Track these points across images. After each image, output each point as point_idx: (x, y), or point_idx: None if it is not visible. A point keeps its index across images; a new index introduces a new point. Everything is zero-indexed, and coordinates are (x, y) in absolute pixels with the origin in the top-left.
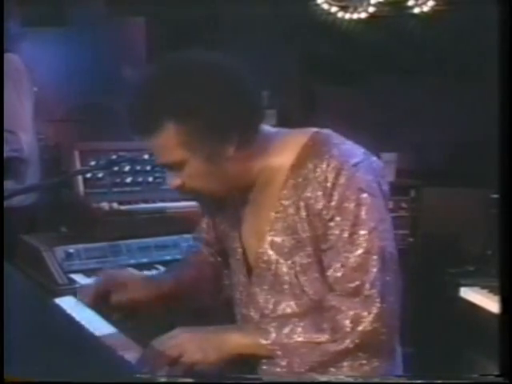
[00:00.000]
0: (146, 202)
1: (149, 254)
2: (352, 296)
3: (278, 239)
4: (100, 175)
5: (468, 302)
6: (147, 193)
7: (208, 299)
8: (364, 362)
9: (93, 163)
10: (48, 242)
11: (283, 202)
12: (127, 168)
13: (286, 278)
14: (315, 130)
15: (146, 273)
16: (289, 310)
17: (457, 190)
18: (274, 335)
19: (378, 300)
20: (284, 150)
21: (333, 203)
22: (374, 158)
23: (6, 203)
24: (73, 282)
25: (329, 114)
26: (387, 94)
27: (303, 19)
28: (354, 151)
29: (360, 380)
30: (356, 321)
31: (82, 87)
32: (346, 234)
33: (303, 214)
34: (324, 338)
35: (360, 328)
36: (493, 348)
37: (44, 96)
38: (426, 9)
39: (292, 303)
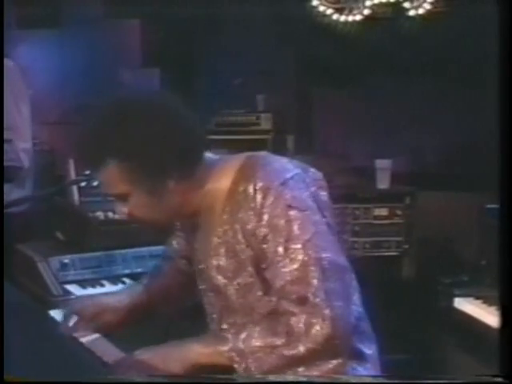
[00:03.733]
0: None
1: (144, 264)
2: (300, 304)
3: (222, 263)
4: (95, 183)
5: (462, 312)
6: None
7: (179, 306)
8: (319, 362)
9: (87, 172)
10: (42, 252)
11: (222, 226)
12: None
13: (234, 298)
14: (249, 154)
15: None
16: (237, 324)
17: (452, 197)
18: (231, 342)
19: (324, 307)
20: (222, 176)
21: (264, 222)
22: (312, 171)
23: None
24: (68, 292)
25: (325, 118)
26: (382, 97)
27: (299, 21)
28: (284, 169)
29: (360, 380)
30: (308, 326)
31: (76, 89)
32: (280, 250)
33: (240, 236)
34: (279, 341)
35: (313, 332)
36: (488, 359)
37: (39, 98)
38: (421, 11)
39: (245, 320)
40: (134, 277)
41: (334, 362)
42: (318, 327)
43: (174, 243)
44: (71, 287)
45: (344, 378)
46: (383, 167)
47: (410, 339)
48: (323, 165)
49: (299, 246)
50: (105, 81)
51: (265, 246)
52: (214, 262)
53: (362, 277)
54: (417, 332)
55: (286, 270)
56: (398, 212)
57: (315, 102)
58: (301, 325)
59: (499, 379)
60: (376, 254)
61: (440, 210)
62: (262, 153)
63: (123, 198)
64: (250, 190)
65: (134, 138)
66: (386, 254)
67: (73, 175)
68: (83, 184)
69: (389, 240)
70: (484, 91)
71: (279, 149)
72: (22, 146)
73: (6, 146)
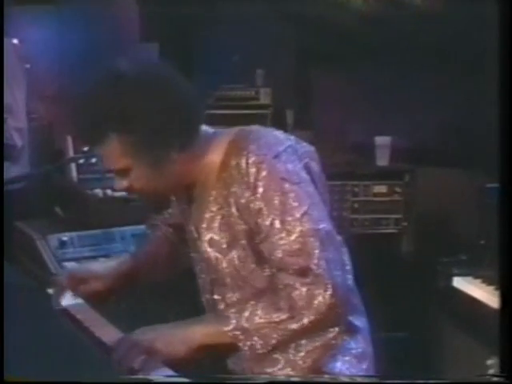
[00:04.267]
0: None
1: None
2: (301, 276)
3: (215, 237)
4: (93, 160)
5: (461, 291)
6: None
7: (165, 274)
8: (321, 333)
9: (86, 148)
10: (41, 230)
11: (216, 200)
12: None
13: (227, 271)
14: (240, 128)
15: None
16: (234, 299)
17: (452, 176)
18: (234, 321)
19: (327, 277)
20: (216, 150)
21: (258, 195)
22: (303, 144)
23: None
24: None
25: (324, 93)
26: (382, 73)
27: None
28: (276, 142)
29: (359, 380)
30: (310, 297)
31: (74, 64)
32: (277, 223)
33: (233, 209)
34: (283, 316)
35: (315, 303)
36: (486, 338)
37: (36, 73)
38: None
39: (236, 294)
40: None
41: (333, 331)
42: (320, 298)
43: (165, 213)
44: (70, 265)
45: (344, 378)
46: (383, 144)
47: (407, 317)
48: (322, 140)
49: (296, 217)
50: (103, 55)
51: (260, 219)
52: (207, 236)
53: (360, 254)
54: (414, 310)
55: (284, 242)
56: (398, 189)
57: (315, 77)
58: (303, 297)
59: (499, 379)
60: (375, 231)
61: (440, 188)
62: (254, 126)
63: (124, 172)
64: (243, 163)
65: (135, 109)
66: (385, 231)
67: (71, 152)
68: (81, 161)
69: (388, 217)
70: (483, 68)
71: (278, 124)
72: (14, 125)
73: None
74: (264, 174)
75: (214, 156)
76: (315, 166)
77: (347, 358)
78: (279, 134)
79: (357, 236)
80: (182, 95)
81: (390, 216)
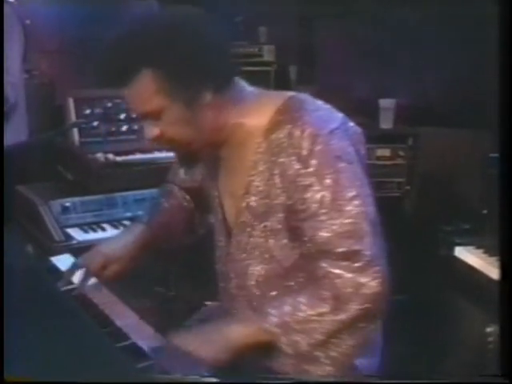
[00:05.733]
0: (142, 151)
1: (145, 207)
2: (349, 261)
3: (253, 203)
4: (95, 124)
5: (462, 261)
6: (143, 141)
7: (180, 241)
8: (364, 325)
9: (88, 111)
10: (43, 195)
11: (257, 166)
12: (123, 116)
13: (258, 240)
14: (291, 94)
15: None
16: (256, 273)
17: (456, 142)
18: (274, 317)
19: (376, 263)
20: (258, 112)
21: (309, 170)
22: (352, 124)
23: None
24: (69, 237)
25: (327, 50)
26: (385, 30)
27: None
28: (330, 118)
29: (361, 380)
30: (357, 285)
31: (76, 19)
32: (327, 201)
33: (277, 180)
34: (327, 308)
35: (363, 292)
36: (486, 308)
37: (37, 28)
38: None
39: (259, 268)
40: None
41: (375, 323)
42: (368, 286)
43: (181, 172)
44: (72, 231)
45: (345, 379)
46: (387, 107)
47: (408, 281)
48: (325, 98)
49: (347, 198)
50: (103, 10)
51: (308, 195)
52: (245, 201)
53: None
54: (415, 275)
55: (334, 222)
56: (401, 153)
57: (318, 34)
58: (349, 285)
59: (499, 379)
60: (378, 194)
61: (443, 153)
62: (304, 95)
63: (156, 115)
64: (297, 134)
65: (170, 43)
66: (388, 194)
67: (73, 115)
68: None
69: (391, 181)
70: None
71: (282, 80)
72: (7, 79)
73: None
74: (319, 148)
75: (256, 118)
76: (362, 149)
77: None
78: (331, 108)
79: None
80: (219, 36)
81: (392, 179)
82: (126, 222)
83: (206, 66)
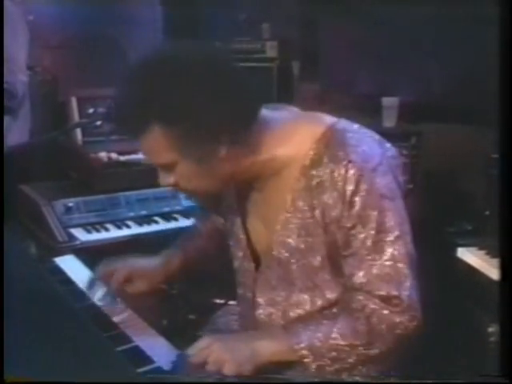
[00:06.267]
0: None
1: (148, 206)
2: (386, 303)
3: (290, 240)
4: (98, 123)
5: (464, 262)
6: None
7: (213, 267)
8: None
9: (91, 110)
10: (46, 194)
11: (296, 203)
12: None
13: (296, 275)
14: (329, 121)
15: (147, 227)
16: (301, 304)
17: (459, 139)
18: (306, 339)
19: (414, 308)
20: (292, 142)
21: (354, 211)
22: (389, 152)
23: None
24: (73, 238)
25: (330, 46)
26: (388, 26)
27: None
28: (372, 151)
29: (360, 380)
30: (392, 324)
31: (79, 15)
32: (369, 242)
33: (319, 218)
34: (360, 341)
35: (397, 333)
36: (487, 309)
37: (40, 24)
38: None
39: (303, 297)
40: (137, 220)
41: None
42: (403, 327)
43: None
44: (76, 231)
45: (346, 379)
46: (390, 105)
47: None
48: (328, 94)
49: (390, 239)
50: (108, 7)
51: (351, 235)
52: (280, 238)
53: None
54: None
55: (374, 263)
56: (404, 152)
57: (321, 29)
58: (384, 323)
59: (499, 379)
60: None
61: (447, 151)
62: (343, 123)
63: (169, 167)
64: (341, 173)
65: (181, 97)
66: None
67: (76, 114)
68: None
69: None
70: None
71: (285, 76)
72: (18, 76)
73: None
74: (363, 188)
75: (294, 149)
76: (400, 175)
77: None
78: (370, 137)
79: None
80: (236, 81)
81: None
82: (129, 222)
83: (220, 123)
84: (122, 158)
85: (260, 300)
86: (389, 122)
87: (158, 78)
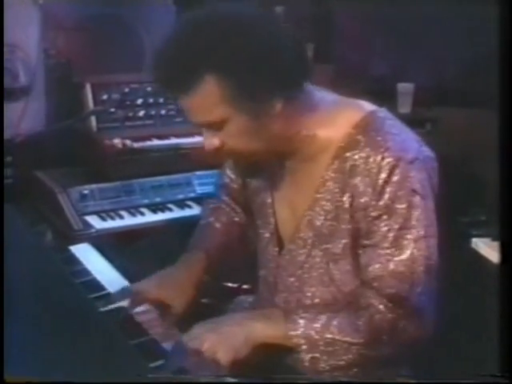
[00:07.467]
0: (159, 137)
1: (162, 193)
2: (393, 302)
3: (316, 221)
4: (112, 109)
5: (478, 253)
6: (160, 127)
7: (238, 258)
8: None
9: (105, 97)
10: (61, 181)
11: (327, 183)
12: (140, 101)
13: (317, 261)
14: (369, 107)
15: (161, 215)
16: (314, 295)
17: (475, 126)
18: (302, 327)
19: (420, 315)
20: (333, 124)
21: (382, 202)
22: (427, 152)
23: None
24: (88, 226)
25: (344, 28)
26: (402, 9)
27: None
28: (411, 144)
29: (360, 380)
30: (396, 329)
31: None
32: (391, 236)
33: (347, 204)
34: (359, 339)
35: (402, 337)
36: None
37: (52, 5)
38: None
39: (317, 289)
40: (152, 207)
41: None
42: (406, 333)
43: (230, 173)
44: (91, 219)
45: (344, 379)
46: (405, 91)
47: None
48: (342, 76)
49: (413, 237)
50: None
51: (375, 225)
52: (307, 217)
53: None
54: None
55: (391, 258)
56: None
57: (335, 11)
58: (386, 325)
59: (500, 379)
60: None
61: (463, 138)
62: (383, 111)
63: (218, 125)
64: (376, 160)
65: (238, 48)
66: None
67: (90, 100)
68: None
69: None
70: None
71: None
72: (22, 58)
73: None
74: (395, 179)
75: (330, 131)
76: (436, 179)
77: None
78: (409, 131)
79: None
80: (289, 38)
81: None
82: (144, 210)
83: (278, 72)
84: (136, 145)
85: (280, 286)
86: (404, 108)
87: (211, 27)
